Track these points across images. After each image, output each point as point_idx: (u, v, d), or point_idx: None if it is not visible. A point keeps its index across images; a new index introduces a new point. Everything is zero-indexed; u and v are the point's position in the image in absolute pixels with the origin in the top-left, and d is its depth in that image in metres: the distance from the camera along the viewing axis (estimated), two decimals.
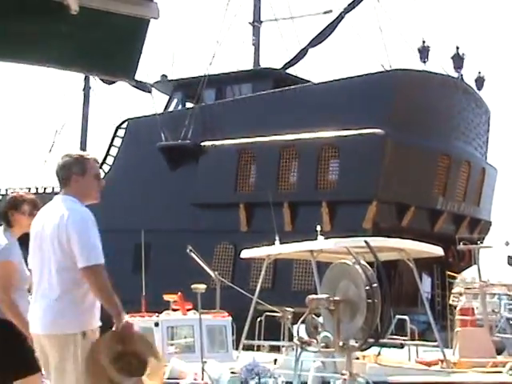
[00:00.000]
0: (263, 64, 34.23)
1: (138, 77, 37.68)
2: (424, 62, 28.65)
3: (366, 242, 7.20)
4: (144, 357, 5.05)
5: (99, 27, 2.48)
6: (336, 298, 6.57)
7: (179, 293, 16.18)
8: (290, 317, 17.00)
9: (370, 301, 6.27)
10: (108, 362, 4.93)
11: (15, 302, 5.96)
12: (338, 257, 11.14)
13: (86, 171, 5.40)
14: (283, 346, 16.92)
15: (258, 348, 18.26)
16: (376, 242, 11.95)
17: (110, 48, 2.53)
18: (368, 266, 6.61)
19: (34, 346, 5.29)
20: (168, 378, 13.43)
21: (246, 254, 17.98)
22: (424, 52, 28.75)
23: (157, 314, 15.67)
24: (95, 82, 39.46)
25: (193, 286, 13.03)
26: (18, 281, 6.03)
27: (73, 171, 5.35)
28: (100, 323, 5.27)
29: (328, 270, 6.98)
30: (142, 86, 37.44)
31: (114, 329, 5.03)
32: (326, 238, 13.94)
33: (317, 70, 76.40)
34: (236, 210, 28.65)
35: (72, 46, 2.48)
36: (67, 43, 2.47)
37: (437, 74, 28.59)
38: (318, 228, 14.00)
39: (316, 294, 7.43)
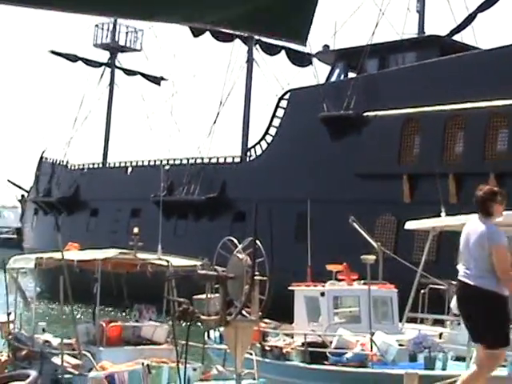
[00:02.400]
0: (428, 31, 33.36)
1: (298, 48, 37.64)
2: None
3: None
4: None
5: None
6: None
7: (344, 263, 16.16)
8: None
9: None
10: None
11: None
12: (510, 229, 10.76)
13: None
14: (448, 320, 16.58)
15: (421, 321, 17.97)
16: None
17: (284, 7, 2.48)
18: None
19: None
20: (335, 348, 13.51)
21: (410, 225, 17.71)
22: None
23: (322, 284, 15.75)
24: (258, 53, 39.93)
25: (362, 257, 12.99)
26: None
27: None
28: None
29: None
30: (300, 61, 37.49)
31: None
32: None
33: (485, 35, 73.58)
34: (399, 181, 28.22)
35: (243, 5, 2.44)
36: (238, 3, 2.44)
37: None
38: None
39: None
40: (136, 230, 14.80)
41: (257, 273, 9.61)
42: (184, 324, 10.50)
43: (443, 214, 16.91)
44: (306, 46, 2.64)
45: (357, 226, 18.36)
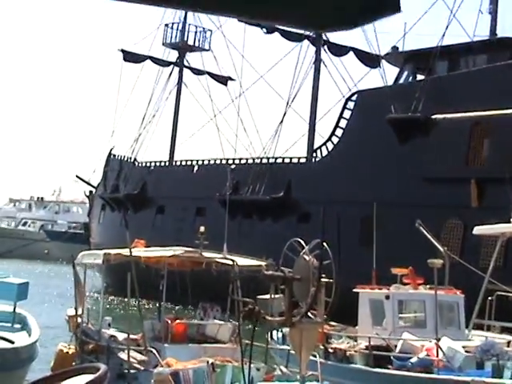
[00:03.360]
0: (500, 33, 32.78)
1: (368, 49, 37.50)
2: None
3: None
4: None
5: None
6: None
7: (410, 267, 16.00)
8: None
9: None
10: None
11: None
12: None
13: None
14: None
15: (488, 328, 17.70)
16: None
17: None
18: None
19: None
20: (400, 352, 13.39)
21: (479, 230, 17.46)
22: None
23: (387, 287, 15.63)
24: (326, 54, 39.84)
25: (429, 261, 12.85)
26: None
27: None
28: None
29: None
30: (369, 62, 37.33)
31: None
32: None
33: None
34: (467, 185, 27.81)
35: None
36: None
37: None
38: None
39: None
40: (202, 228, 14.89)
41: (323, 275, 9.60)
42: (248, 324, 10.56)
43: None
44: (400, 11, 2.49)
45: (423, 230, 18.17)
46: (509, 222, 16.74)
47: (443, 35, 31.24)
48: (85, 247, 37.79)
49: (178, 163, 44.59)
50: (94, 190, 50.58)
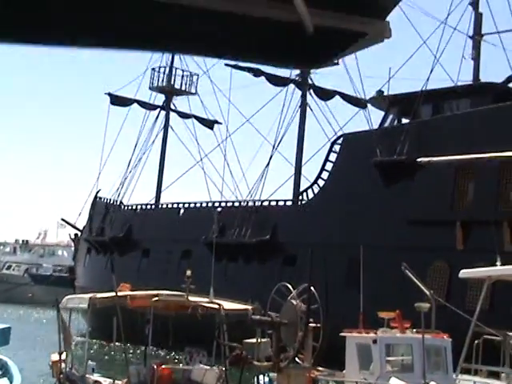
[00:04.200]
0: (483, 78, 33.22)
1: (354, 93, 37.87)
2: None
3: None
4: None
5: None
6: None
7: (397, 310, 15.95)
8: None
9: None
10: None
11: None
12: None
13: None
14: (503, 373, 16.26)
15: (476, 372, 17.62)
16: None
17: None
18: None
19: None
20: None
21: (464, 273, 17.48)
22: None
23: (374, 331, 15.56)
24: (311, 98, 40.16)
25: (416, 305, 12.84)
26: None
27: None
28: None
29: None
30: (355, 105, 37.77)
31: None
32: None
33: None
34: (452, 227, 27.91)
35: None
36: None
37: None
38: None
39: None
40: (189, 272, 14.82)
41: (310, 319, 9.57)
42: (234, 368, 10.47)
43: (499, 262, 16.67)
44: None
45: (409, 273, 18.18)
46: (495, 265, 16.79)
47: (427, 79, 31.66)
48: (70, 291, 37.50)
49: (164, 206, 44.53)
50: (79, 233, 50.33)
